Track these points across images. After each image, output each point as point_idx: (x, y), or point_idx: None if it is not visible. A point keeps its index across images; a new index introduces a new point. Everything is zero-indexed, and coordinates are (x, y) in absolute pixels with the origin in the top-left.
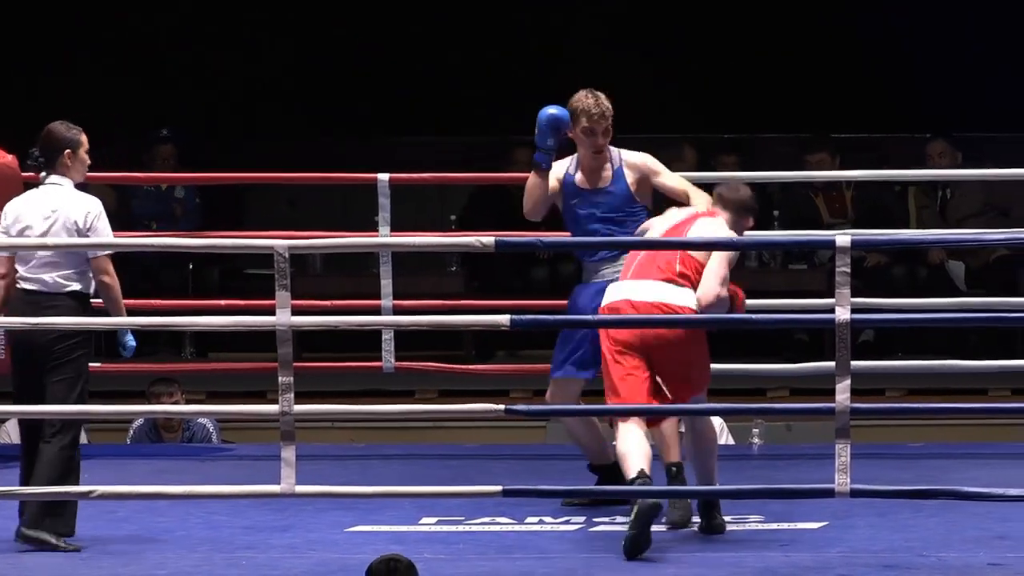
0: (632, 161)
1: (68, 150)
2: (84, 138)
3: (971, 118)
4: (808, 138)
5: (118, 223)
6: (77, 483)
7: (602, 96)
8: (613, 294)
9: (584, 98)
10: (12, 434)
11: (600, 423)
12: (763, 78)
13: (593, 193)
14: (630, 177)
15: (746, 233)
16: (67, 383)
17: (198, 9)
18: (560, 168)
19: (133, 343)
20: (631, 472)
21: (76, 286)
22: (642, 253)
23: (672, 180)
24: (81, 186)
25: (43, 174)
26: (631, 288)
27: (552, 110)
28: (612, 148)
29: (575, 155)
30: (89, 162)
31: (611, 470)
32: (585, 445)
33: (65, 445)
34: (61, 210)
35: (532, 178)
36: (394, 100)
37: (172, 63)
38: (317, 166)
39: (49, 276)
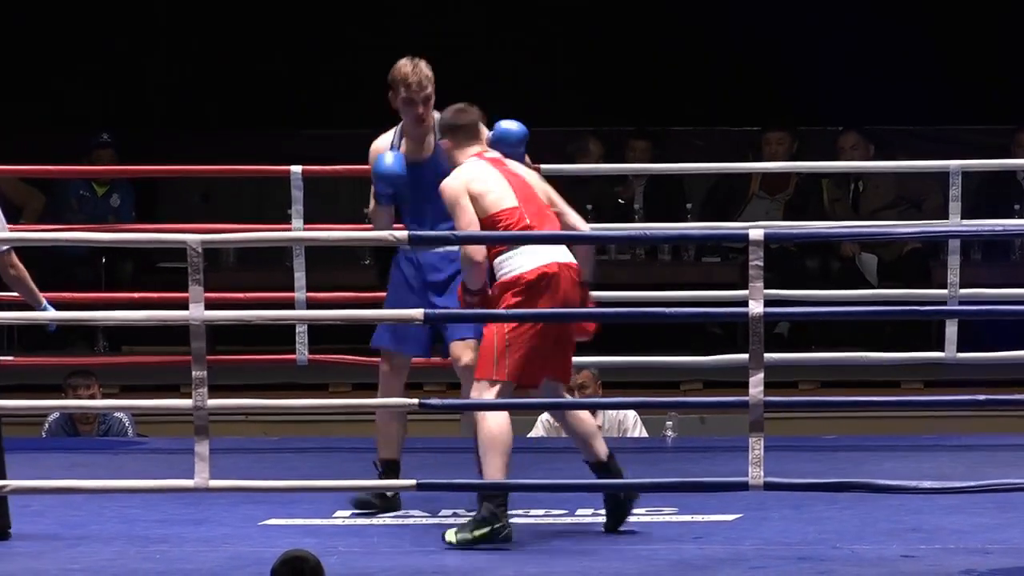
0: None
1: None
2: None
3: (883, 111)
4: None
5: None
6: None
7: (422, 63)
8: (543, 257)
9: (403, 66)
10: None
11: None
12: (673, 72)
13: (415, 166)
14: (447, 146)
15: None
16: None
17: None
18: (385, 140)
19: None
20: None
21: None
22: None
23: None
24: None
25: None
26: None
27: (386, 167)
28: (437, 115)
29: (400, 125)
30: None
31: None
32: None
33: None
34: None
35: (376, 209)
36: (290, 93)
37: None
38: (229, 159)
39: None
